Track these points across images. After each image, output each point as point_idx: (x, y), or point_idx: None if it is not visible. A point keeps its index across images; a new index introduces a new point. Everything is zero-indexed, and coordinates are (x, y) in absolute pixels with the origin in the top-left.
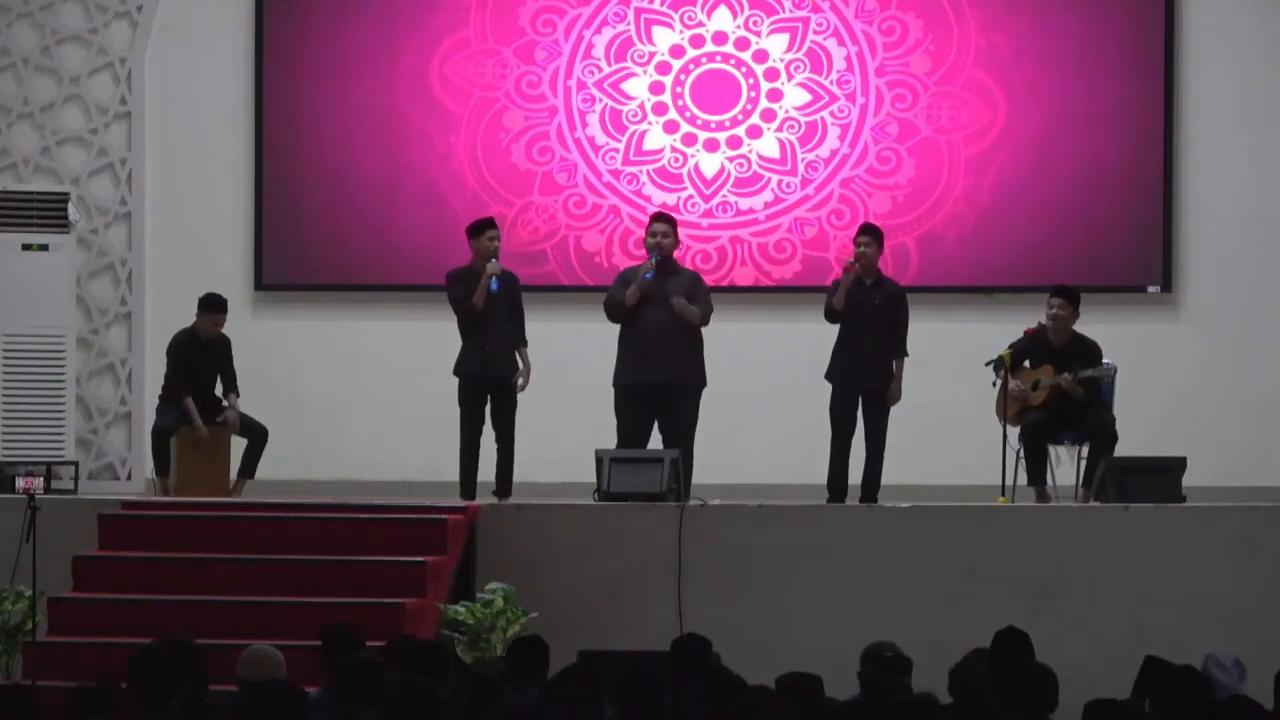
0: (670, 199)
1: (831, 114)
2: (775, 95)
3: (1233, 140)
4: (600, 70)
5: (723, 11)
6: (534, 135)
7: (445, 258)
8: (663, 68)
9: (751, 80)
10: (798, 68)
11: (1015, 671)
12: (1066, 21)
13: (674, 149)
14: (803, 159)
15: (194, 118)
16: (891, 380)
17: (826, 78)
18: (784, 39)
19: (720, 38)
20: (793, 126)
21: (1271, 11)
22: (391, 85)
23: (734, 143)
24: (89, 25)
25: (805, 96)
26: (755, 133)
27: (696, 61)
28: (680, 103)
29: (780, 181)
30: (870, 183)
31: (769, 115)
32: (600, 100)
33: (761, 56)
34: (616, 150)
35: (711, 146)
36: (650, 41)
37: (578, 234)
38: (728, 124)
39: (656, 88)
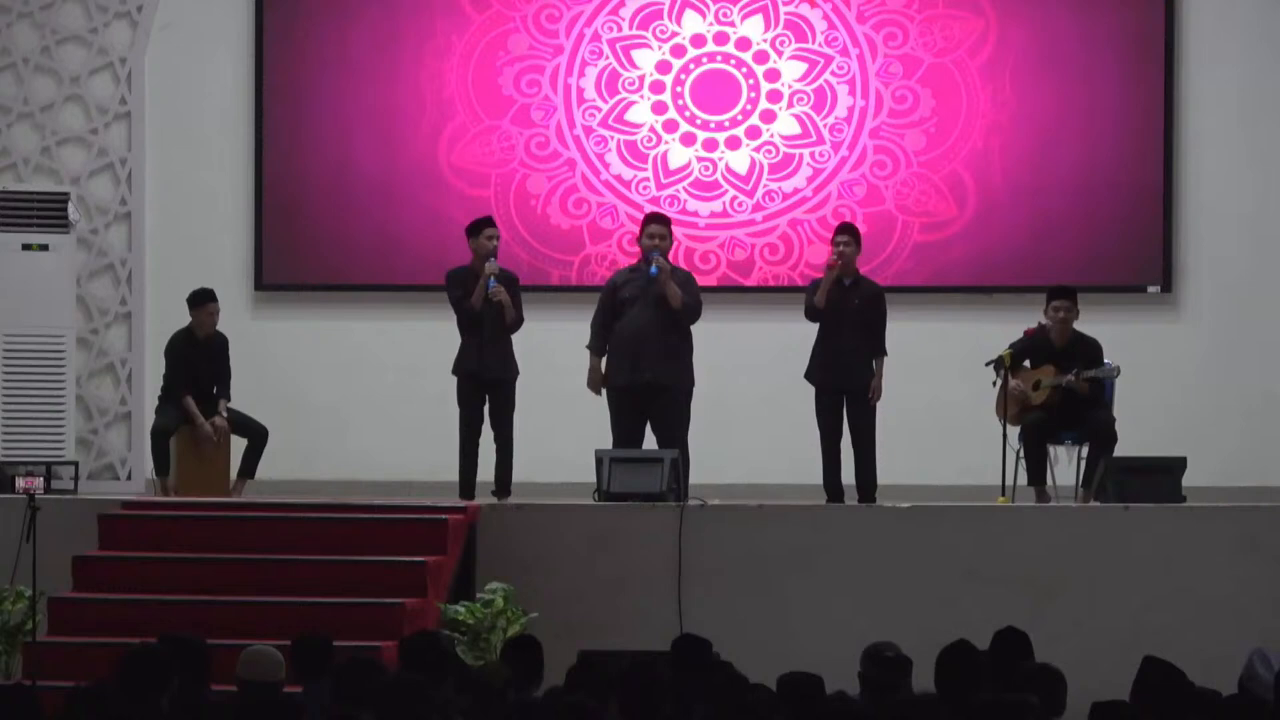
0: (626, 174)
1: (812, 155)
2: (769, 116)
3: (1232, 140)
4: (618, 29)
5: (756, 21)
6: (529, 65)
7: (445, 258)
8: (678, 51)
9: (753, 95)
10: (801, 99)
11: (1022, 672)
12: (1066, 21)
13: (652, 129)
14: (765, 184)
15: (194, 118)
16: (872, 379)
17: (823, 119)
18: (801, 66)
19: (744, 43)
20: (770, 151)
21: (1271, 11)
22: (391, 84)
23: (710, 145)
24: (89, 25)
25: (795, 128)
26: (734, 143)
27: (710, 57)
28: (679, 90)
29: (734, 198)
30: (816, 232)
31: (754, 132)
32: (606, 57)
33: (773, 76)
34: (598, 109)
35: (688, 140)
36: (677, 21)
37: (526, 172)
38: (712, 126)
39: (664, 66)
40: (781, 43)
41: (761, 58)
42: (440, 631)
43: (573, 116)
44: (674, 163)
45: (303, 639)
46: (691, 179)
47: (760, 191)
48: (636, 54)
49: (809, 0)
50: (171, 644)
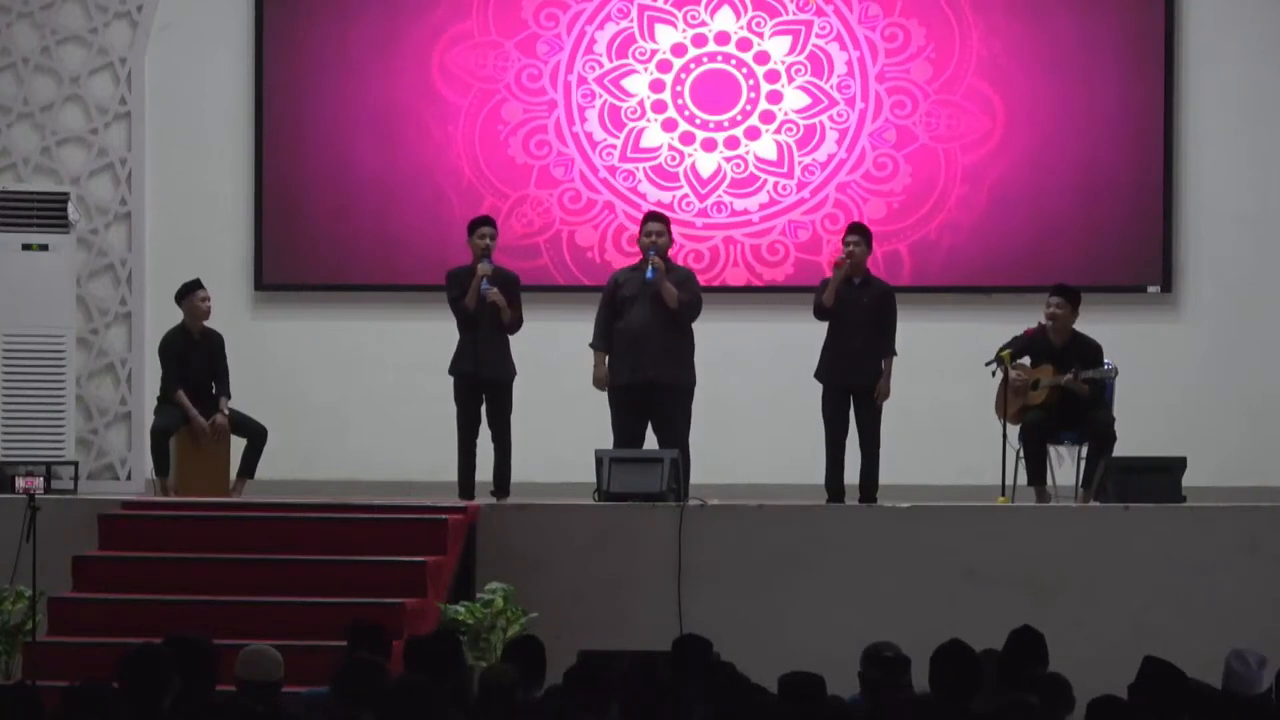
0: (598, 134)
1: (775, 186)
2: (753, 133)
3: (1232, 140)
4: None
5: (784, 41)
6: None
7: (445, 258)
8: (699, 40)
9: (748, 108)
10: (789, 129)
11: (1030, 682)
12: (1066, 22)
13: (641, 103)
14: (718, 195)
15: (194, 118)
16: (880, 379)
17: (801, 155)
18: (804, 99)
19: (763, 57)
20: (791, 129)
21: (1271, 11)
22: (391, 84)
23: (687, 138)
24: (89, 25)
25: (772, 153)
26: (710, 145)
27: (725, 57)
28: (682, 78)
29: (684, 196)
30: (744, 256)
31: (732, 142)
32: (630, 20)
33: (775, 98)
34: (600, 64)
35: (669, 126)
36: (711, 14)
37: (506, 97)
38: (697, 121)
39: (679, 49)
40: (797, 70)
41: (772, 77)
42: (453, 632)
43: (574, 62)
44: (646, 142)
45: (358, 625)
46: (654, 163)
47: (710, 200)
48: (659, 28)
49: (839, 41)
50: (177, 644)
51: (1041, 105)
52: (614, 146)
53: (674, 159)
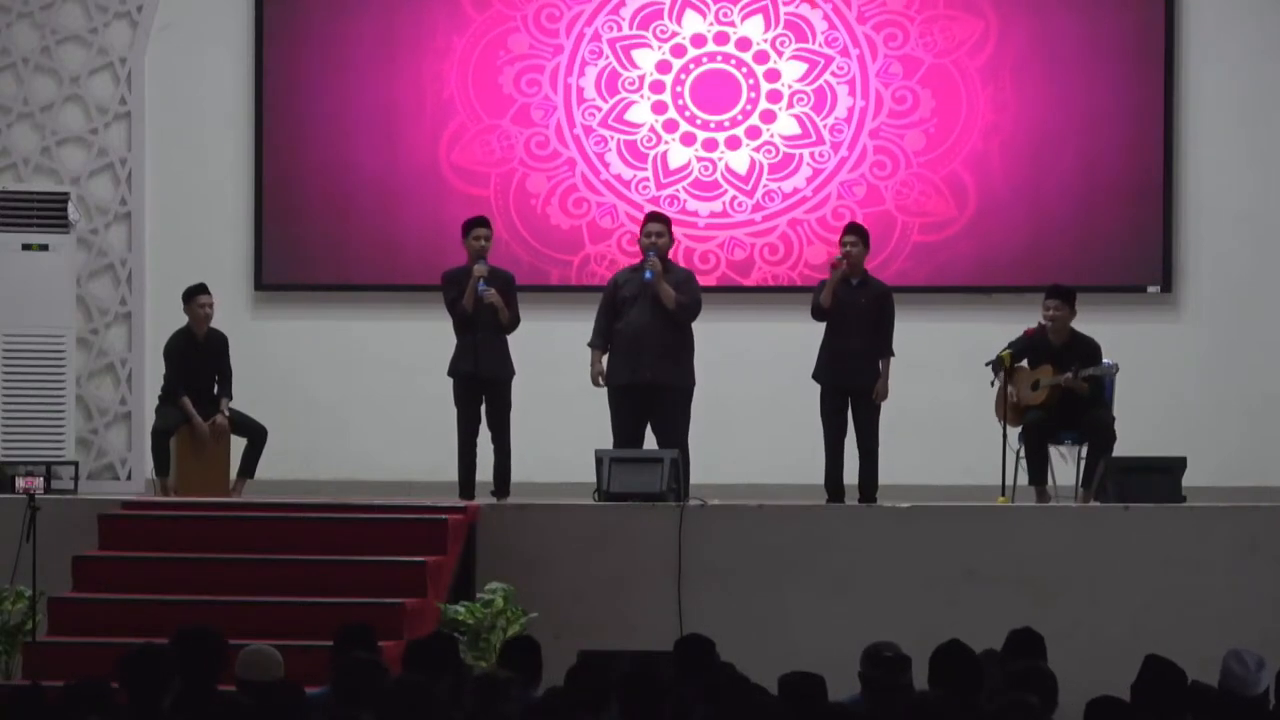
0: (626, 173)
1: (812, 155)
2: (729, 142)
3: (1232, 140)
4: (619, 28)
5: (762, 23)
6: (529, 65)
7: (445, 257)
8: (678, 50)
9: (752, 98)
10: (789, 145)
11: (1017, 675)
12: (1066, 22)
13: (652, 129)
14: (765, 185)
15: (194, 118)
16: (878, 379)
17: (782, 156)
18: (793, 123)
19: (759, 54)
20: (770, 151)
21: (1271, 11)
22: (391, 84)
23: (710, 145)
24: (89, 25)
25: (742, 166)
26: (734, 143)
27: (709, 57)
28: (678, 89)
29: (734, 199)
30: (815, 231)
31: (754, 132)
32: (606, 57)
33: (774, 96)
34: (598, 109)
35: (688, 140)
36: (677, 21)
37: (526, 171)
38: (712, 125)
39: (664, 66)
40: (799, 99)
41: (774, 97)
42: (449, 634)
43: (595, 16)
44: (631, 116)
45: (346, 629)
46: (630, 139)
47: (666, 191)
48: (688, 13)
49: (850, 85)
50: (188, 636)
51: (1041, 105)
52: (598, 109)
53: (650, 140)
